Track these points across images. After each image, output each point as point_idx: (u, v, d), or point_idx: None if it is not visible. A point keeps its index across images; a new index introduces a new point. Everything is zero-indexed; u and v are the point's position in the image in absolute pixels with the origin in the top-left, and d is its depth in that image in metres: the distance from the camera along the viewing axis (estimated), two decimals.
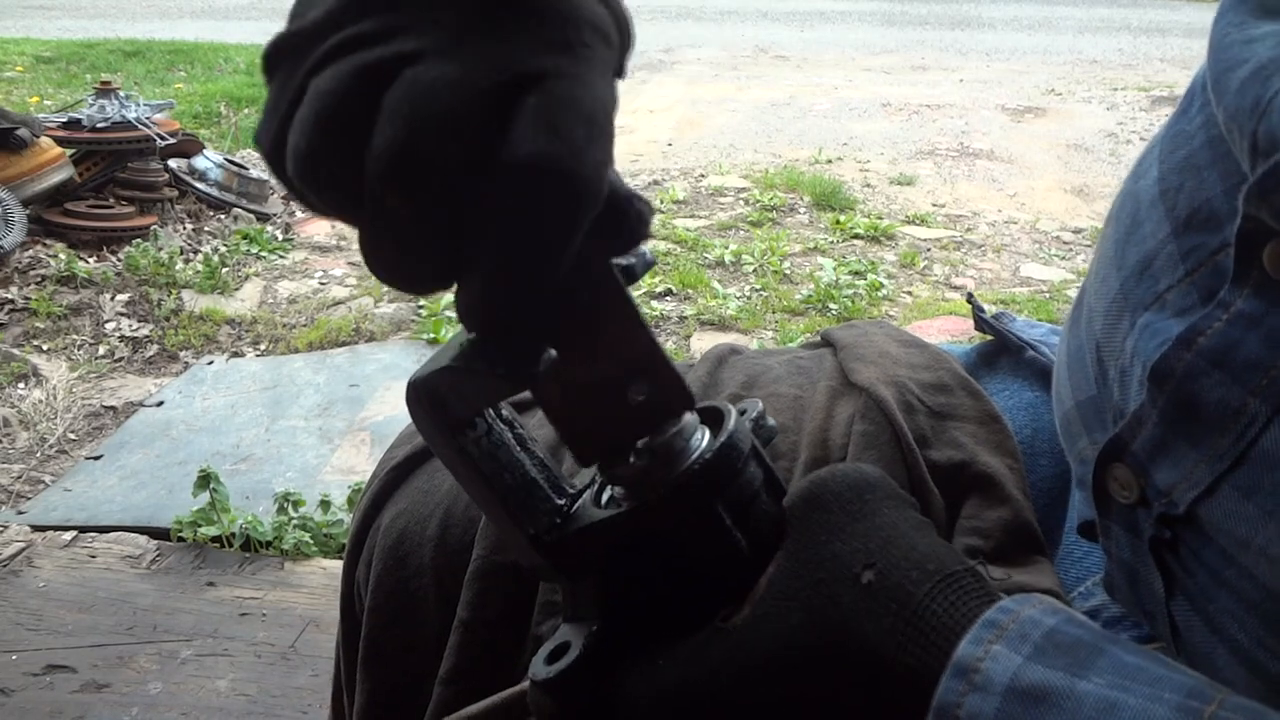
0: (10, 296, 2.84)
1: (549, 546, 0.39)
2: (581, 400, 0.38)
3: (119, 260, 3.08)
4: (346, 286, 3.11)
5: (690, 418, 0.40)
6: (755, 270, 3.18)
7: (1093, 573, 0.55)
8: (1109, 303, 0.46)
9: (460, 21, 0.30)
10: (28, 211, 3.06)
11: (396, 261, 0.31)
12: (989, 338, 0.72)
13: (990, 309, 0.72)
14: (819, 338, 0.74)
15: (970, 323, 0.71)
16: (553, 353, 0.34)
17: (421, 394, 0.36)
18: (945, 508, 0.57)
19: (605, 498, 0.41)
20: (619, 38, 0.33)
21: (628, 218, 0.33)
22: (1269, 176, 0.34)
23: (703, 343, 2.69)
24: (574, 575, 0.40)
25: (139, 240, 3.16)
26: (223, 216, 3.52)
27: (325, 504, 1.87)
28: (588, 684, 0.38)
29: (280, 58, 0.32)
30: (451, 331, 2.64)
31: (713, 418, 0.41)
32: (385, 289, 3.03)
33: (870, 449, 0.58)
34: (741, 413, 0.43)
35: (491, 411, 0.39)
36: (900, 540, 0.36)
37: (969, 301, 0.74)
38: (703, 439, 0.39)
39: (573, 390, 0.38)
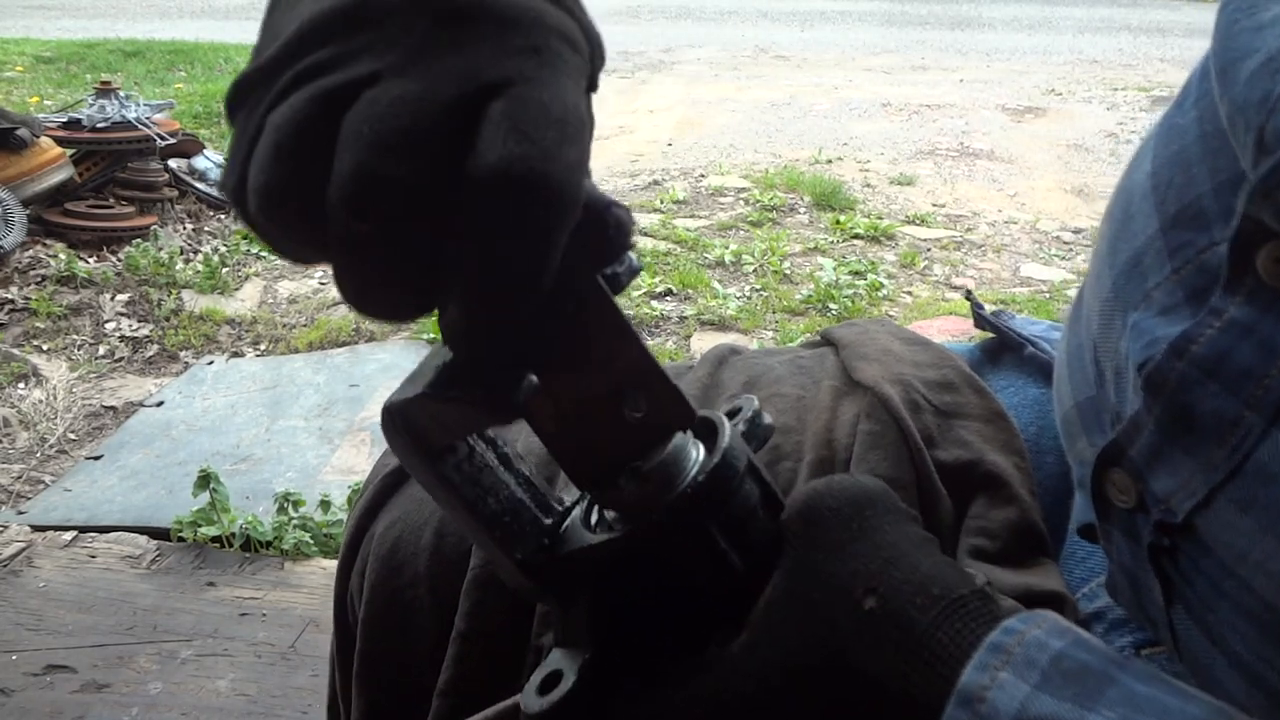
0: (10, 296, 2.84)
1: (538, 571, 0.38)
2: (576, 421, 0.36)
3: (119, 260, 3.08)
4: None
5: (682, 437, 0.38)
6: (755, 270, 3.18)
7: (1097, 573, 0.54)
8: (1103, 302, 0.46)
9: (419, 38, 0.28)
10: (28, 211, 3.06)
11: (372, 292, 0.30)
12: (990, 336, 0.72)
13: (989, 308, 0.71)
14: (819, 337, 0.73)
15: (970, 323, 0.71)
16: (534, 379, 0.31)
17: (398, 422, 0.34)
18: (953, 508, 0.56)
19: (595, 518, 0.39)
20: (588, 47, 0.32)
21: (607, 226, 0.32)
22: (1274, 174, 0.33)
23: (703, 343, 2.68)
24: (564, 599, 0.39)
25: (139, 240, 3.16)
26: (223, 216, 3.52)
27: (325, 504, 1.87)
28: (582, 715, 0.37)
29: (241, 97, 0.30)
30: None
31: (707, 429, 0.39)
32: None
33: (876, 448, 0.57)
34: (734, 413, 0.41)
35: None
36: (902, 561, 0.35)
37: (968, 299, 0.73)
38: (696, 457, 0.38)
39: (566, 411, 0.36)
